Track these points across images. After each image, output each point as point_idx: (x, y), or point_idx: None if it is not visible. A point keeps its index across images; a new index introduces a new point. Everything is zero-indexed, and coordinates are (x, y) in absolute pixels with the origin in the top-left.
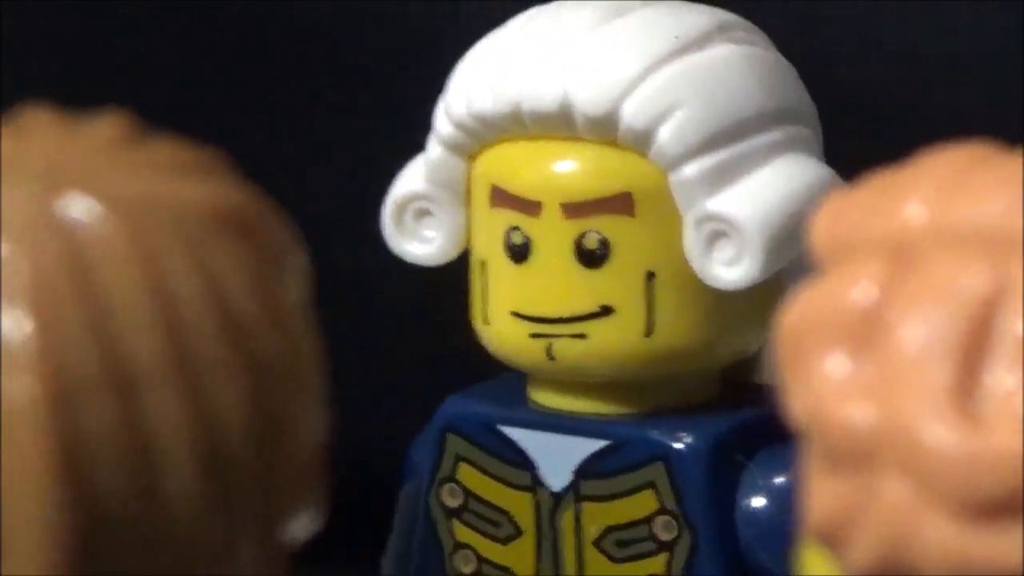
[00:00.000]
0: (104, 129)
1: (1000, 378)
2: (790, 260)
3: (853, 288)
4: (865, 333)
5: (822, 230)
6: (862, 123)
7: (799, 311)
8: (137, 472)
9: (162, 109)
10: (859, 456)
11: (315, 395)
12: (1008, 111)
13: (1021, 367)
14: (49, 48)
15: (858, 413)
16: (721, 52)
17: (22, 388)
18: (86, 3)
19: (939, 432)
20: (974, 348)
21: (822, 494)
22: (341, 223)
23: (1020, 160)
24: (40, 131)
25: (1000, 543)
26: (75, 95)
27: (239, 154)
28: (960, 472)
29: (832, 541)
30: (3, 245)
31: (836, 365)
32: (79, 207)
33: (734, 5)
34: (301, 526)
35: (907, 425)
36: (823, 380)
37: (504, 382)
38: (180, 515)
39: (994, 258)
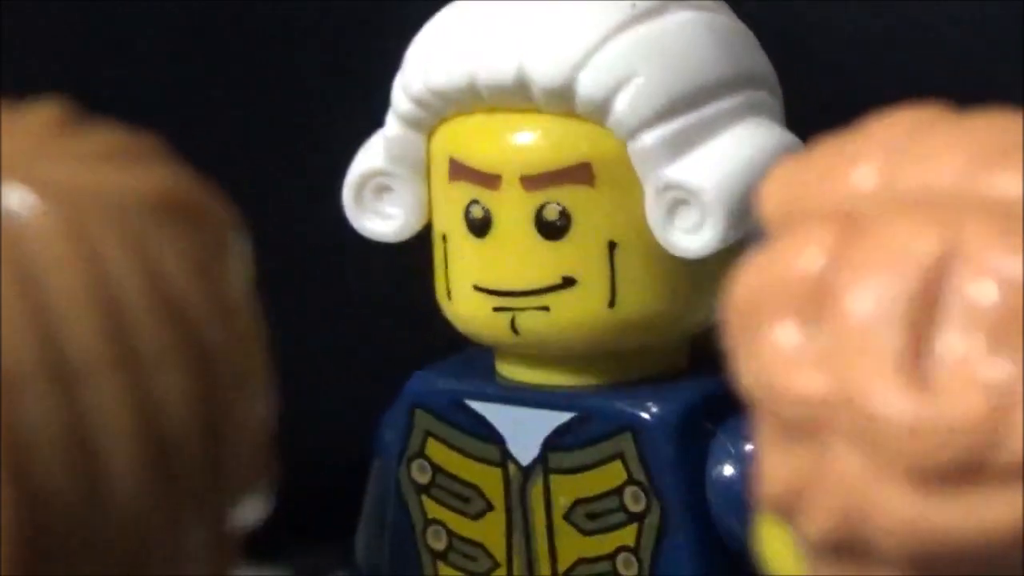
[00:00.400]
0: (40, 117)
1: (951, 343)
2: (753, 226)
3: (801, 256)
4: (815, 301)
5: (770, 197)
6: (840, 94)
7: (748, 281)
8: (80, 461)
9: (126, 91)
10: (810, 426)
11: (260, 379)
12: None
13: (973, 331)
14: (45, 46)
15: (808, 382)
16: (677, 19)
17: None
18: (84, 2)
19: (890, 399)
20: (924, 313)
21: (775, 465)
22: (308, 201)
23: (970, 121)
24: None
25: (954, 511)
26: (71, 93)
27: (208, 135)
28: (912, 439)
29: (786, 512)
30: None
31: (785, 334)
32: (13, 197)
33: None
34: (250, 510)
35: (858, 393)
36: (773, 350)
37: (471, 356)
38: (125, 503)
39: (944, 221)
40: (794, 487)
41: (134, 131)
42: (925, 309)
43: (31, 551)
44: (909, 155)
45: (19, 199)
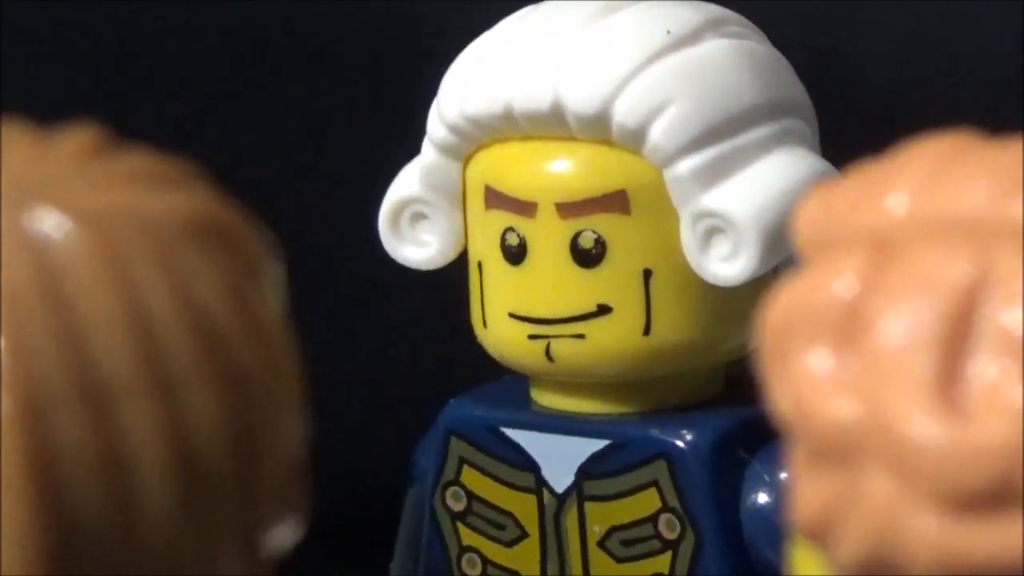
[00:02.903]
0: (74, 141)
1: (984, 368)
2: (788, 254)
3: (835, 282)
4: (848, 327)
5: (805, 224)
6: (876, 122)
7: (781, 307)
8: (112, 484)
9: (163, 114)
10: (843, 452)
11: (293, 404)
12: (1012, 109)
13: (1005, 357)
14: (81, 71)
15: (841, 408)
16: (713, 47)
17: None
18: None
19: (923, 425)
20: (957, 339)
21: (808, 491)
22: (348, 227)
23: (1003, 148)
24: (9, 145)
25: (987, 536)
26: (82, 98)
27: (247, 160)
28: (945, 465)
29: (819, 538)
30: None
31: (819, 360)
32: (49, 221)
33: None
34: (283, 535)
35: (891, 419)
36: (806, 376)
37: (506, 384)
38: (157, 526)
39: (977, 247)
40: (827, 512)
41: (168, 156)
42: (957, 335)
43: (61, 570)
44: (942, 182)
45: (54, 223)
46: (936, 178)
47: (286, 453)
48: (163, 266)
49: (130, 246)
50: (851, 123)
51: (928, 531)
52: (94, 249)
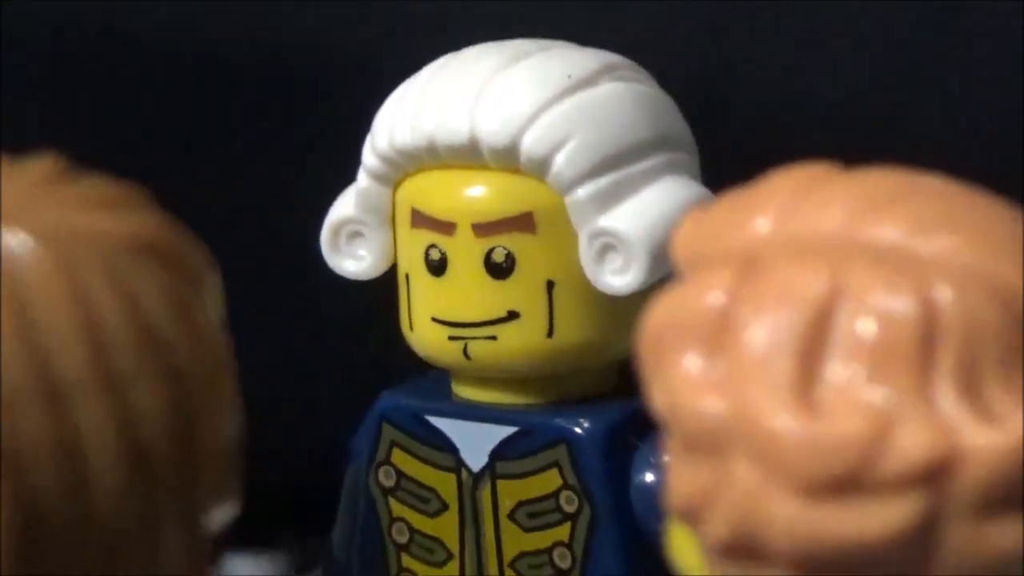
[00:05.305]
0: (35, 169)
1: (837, 371)
2: (672, 267)
3: (705, 294)
4: (717, 334)
5: (680, 243)
6: (748, 154)
7: (659, 315)
8: (68, 471)
9: (131, 150)
10: (712, 444)
11: (229, 400)
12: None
13: (856, 361)
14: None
15: (711, 405)
16: (608, 89)
17: None
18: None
19: (783, 420)
20: (814, 345)
21: (681, 478)
22: (293, 244)
23: (855, 176)
24: None
25: (837, 519)
26: (70, 122)
27: (206, 179)
28: (802, 455)
29: (691, 519)
30: None
31: (691, 363)
32: (12, 240)
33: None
34: (220, 515)
35: (755, 415)
36: (679, 376)
37: (431, 378)
38: (109, 508)
39: (832, 263)
40: (698, 497)
41: (120, 181)
42: (814, 341)
43: (21, 550)
44: (801, 206)
45: (17, 241)
46: (796, 203)
47: (222, 443)
48: (112, 279)
49: (84, 261)
50: (727, 154)
51: (786, 515)
52: (52, 264)
